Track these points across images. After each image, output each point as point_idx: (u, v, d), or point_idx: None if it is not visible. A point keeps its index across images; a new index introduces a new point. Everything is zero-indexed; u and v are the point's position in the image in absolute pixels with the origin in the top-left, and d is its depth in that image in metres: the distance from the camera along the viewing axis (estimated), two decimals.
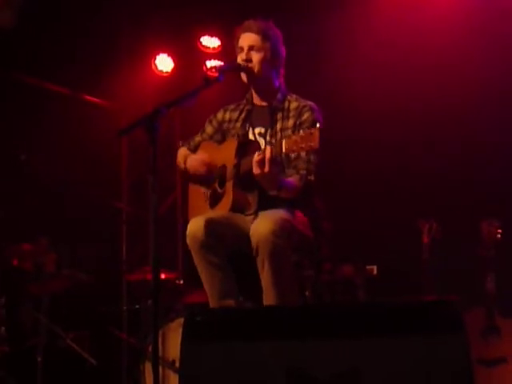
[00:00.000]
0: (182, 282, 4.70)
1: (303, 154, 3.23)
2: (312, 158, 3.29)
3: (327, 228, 3.70)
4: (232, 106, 3.62)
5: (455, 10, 5.03)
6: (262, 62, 3.40)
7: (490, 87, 4.87)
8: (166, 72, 5.70)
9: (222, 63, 4.86)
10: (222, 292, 3.24)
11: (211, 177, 3.48)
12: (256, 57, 3.41)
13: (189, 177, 3.61)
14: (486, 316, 4.02)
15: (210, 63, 5.47)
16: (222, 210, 3.38)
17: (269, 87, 3.49)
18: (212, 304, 3.27)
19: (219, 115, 3.63)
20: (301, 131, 2.98)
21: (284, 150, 3.00)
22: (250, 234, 3.15)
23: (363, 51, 5.07)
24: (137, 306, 4.84)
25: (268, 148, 3.08)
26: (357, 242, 4.79)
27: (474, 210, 4.55)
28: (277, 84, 3.50)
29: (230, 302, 3.23)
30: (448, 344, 2.32)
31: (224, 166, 3.43)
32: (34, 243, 4.66)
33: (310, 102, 3.45)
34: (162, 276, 4.58)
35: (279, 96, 3.47)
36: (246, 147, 3.38)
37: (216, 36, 5.60)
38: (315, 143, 2.87)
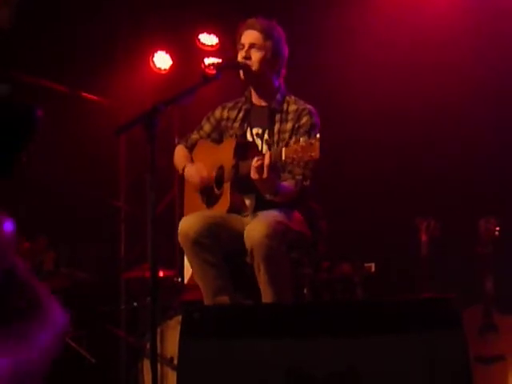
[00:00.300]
0: (179, 279, 4.70)
1: (305, 162, 3.22)
2: (309, 163, 3.28)
3: (323, 227, 3.70)
4: (230, 104, 3.60)
5: (454, 9, 5.03)
6: (262, 61, 3.39)
7: (487, 87, 4.86)
8: (164, 69, 5.69)
9: (220, 61, 4.85)
10: (217, 288, 3.23)
11: (207, 188, 3.48)
12: (256, 55, 3.39)
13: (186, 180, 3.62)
14: (484, 314, 4.02)
15: (208, 61, 5.46)
16: (220, 210, 3.38)
17: (268, 87, 3.47)
18: (206, 301, 3.26)
19: (217, 113, 3.61)
20: (301, 140, 2.97)
21: (283, 158, 3.01)
22: (244, 237, 3.15)
23: (362, 51, 5.06)
24: (135, 304, 4.84)
25: (267, 154, 3.09)
26: (355, 240, 4.79)
27: (472, 208, 4.56)
28: (276, 84, 3.48)
29: (225, 299, 3.22)
30: (446, 342, 2.32)
31: (222, 167, 3.42)
32: (33, 242, 4.65)
33: (308, 106, 3.44)
34: (160, 274, 4.58)
35: (278, 97, 3.45)
36: (245, 148, 3.37)
37: (214, 33, 5.58)
38: (316, 153, 2.88)
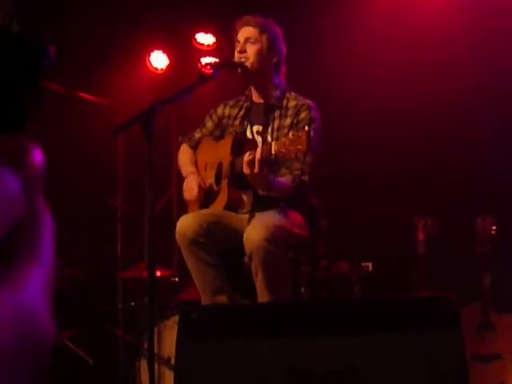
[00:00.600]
0: (177, 279, 4.69)
1: (299, 154, 3.23)
2: (307, 158, 3.27)
3: (324, 226, 3.70)
4: (232, 102, 3.60)
5: (451, 6, 5.03)
6: (257, 53, 3.38)
7: (484, 85, 4.86)
8: (161, 69, 5.68)
9: (217, 60, 4.85)
10: (215, 288, 3.23)
11: (205, 192, 3.49)
12: (251, 48, 3.38)
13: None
14: (482, 312, 4.02)
15: (205, 60, 5.45)
16: (217, 207, 3.38)
17: (267, 84, 3.47)
18: (204, 301, 3.26)
19: (219, 110, 3.61)
20: (290, 133, 2.98)
21: (274, 152, 3.00)
22: (244, 240, 3.14)
23: (359, 49, 5.06)
24: (132, 304, 4.84)
25: (259, 148, 3.08)
26: (353, 239, 4.79)
27: (470, 207, 4.56)
28: (276, 81, 3.48)
29: (223, 298, 3.22)
30: (444, 340, 2.32)
31: (221, 164, 3.43)
32: None
33: (308, 101, 3.44)
34: (158, 273, 4.57)
35: (278, 93, 3.45)
36: (242, 145, 3.37)
37: (211, 33, 5.58)
38: (303, 146, 2.87)
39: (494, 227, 4.13)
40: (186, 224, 3.24)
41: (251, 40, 3.39)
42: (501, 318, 4.00)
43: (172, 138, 5.40)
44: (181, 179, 3.69)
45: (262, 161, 3.05)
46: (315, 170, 3.36)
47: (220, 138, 3.59)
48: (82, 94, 5.53)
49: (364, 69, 5.05)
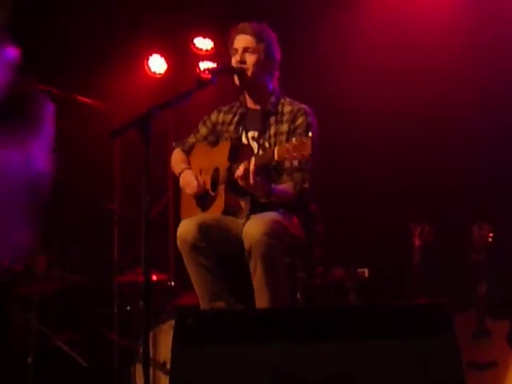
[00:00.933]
0: (173, 283, 4.69)
1: (303, 160, 3.23)
2: (308, 165, 3.28)
3: (320, 230, 3.71)
4: (226, 108, 3.61)
5: (456, 10, 5.03)
6: (256, 64, 3.41)
7: (481, 93, 4.87)
8: (159, 73, 5.69)
9: (215, 65, 4.85)
10: (213, 294, 3.23)
11: (202, 192, 3.48)
12: (250, 59, 3.41)
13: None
14: (477, 319, 4.03)
15: (203, 65, 5.46)
16: (214, 212, 3.38)
17: (262, 90, 3.49)
18: (203, 306, 3.27)
19: (213, 116, 3.62)
20: (293, 139, 2.98)
21: (276, 158, 3.00)
22: (243, 235, 3.15)
23: (357, 55, 5.07)
24: (128, 308, 4.83)
25: (253, 159, 3.09)
26: (348, 245, 4.79)
27: (466, 214, 4.56)
28: (271, 87, 3.49)
29: (221, 304, 3.23)
30: (439, 347, 2.32)
31: (217, 169, 3.43)
32: None
33: (303, 106, 3.45)
34: (154, 278, 4.57)
35: (273, 99, 3.47)
36: (239, 151, 3.38)
37: (209, 38, 5.59)
38: (307, 152, 2.88)
39: (490, 235, 4.14)
40: (185, 229, 3.24)
41: (250, 50, 3.41)
42: (497, 326, 4.00)
43: (169, 143, 5.38)
44: (177, 183, 3.69)
45: (257, 171, 3.06)
46: (314, 177, 3.37)
47: (215, 143, 3.59)
48: (81, 98, 5.52)
49: (363, 75, 5.06)
